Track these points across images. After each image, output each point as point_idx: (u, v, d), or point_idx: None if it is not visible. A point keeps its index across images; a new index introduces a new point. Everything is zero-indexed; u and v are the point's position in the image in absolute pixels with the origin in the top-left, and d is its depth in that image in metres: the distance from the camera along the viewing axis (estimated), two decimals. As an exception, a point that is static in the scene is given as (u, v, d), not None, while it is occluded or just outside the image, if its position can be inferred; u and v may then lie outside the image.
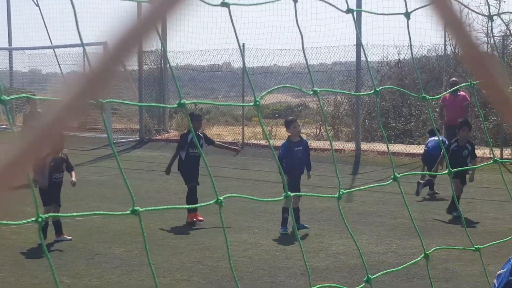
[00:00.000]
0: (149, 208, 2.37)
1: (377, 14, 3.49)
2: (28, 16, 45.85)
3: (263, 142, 24.21)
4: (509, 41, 24.21)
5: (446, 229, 11.75)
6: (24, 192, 1.32)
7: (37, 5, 30.96)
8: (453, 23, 1.40)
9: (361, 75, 22.47)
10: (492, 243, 4.32)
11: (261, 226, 12.11)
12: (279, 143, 15.02)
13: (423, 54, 27.26)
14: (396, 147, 22.37)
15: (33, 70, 35.76)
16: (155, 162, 20.62)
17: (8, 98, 1.83)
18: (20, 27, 44.90)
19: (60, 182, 11.20)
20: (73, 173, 11.26)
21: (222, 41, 38.89)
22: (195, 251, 10.47)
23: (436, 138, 15.01)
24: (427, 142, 15.59)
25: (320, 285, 3.21)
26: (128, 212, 2.27)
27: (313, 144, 23.81)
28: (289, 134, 11.89)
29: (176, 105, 2.34)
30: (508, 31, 23.84)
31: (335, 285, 7.88)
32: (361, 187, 3.47)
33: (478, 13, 3.74)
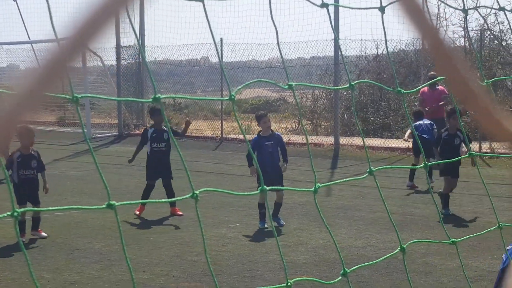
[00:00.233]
0: (125, 202, 2.38)
1: (352, 8, 3.51)
2: (6, 11, 45.58)
3: (241, 136, 24.24)
4: (487, 35, 24.34)
5: (425, 223, 11.80)
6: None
7: (14, 0, 30.85)
8: (417, 16, 1.42)
9: (339, 69, 22.48)
10: (468, 236, 4.36)
11: (240, 220, 12.13)
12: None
13: (401, 48, 27.39)
14: (374, 141, 22.46)
15: (11, 66, 35.57)
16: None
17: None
18: (-3, 22, 44.63)
19: (32, 179, 10.93)
20: (45, 177, 11.02)
21: (200, 35, 38.97)
22: (175, 245, 10.47)
23: (422, 121, 14.97)
24: (416, 125, 14.70)
25: (297, 279, 3.23)
26: (104, 206, 2.28)
27: (292, 138, 23.87)
28: (259, 129, 11.97)
29: (151, 100, 2.35)
30: (485, 24, 23.97)
31: (313, 278, 7.92)
32: (337, 181, 3.49)
33: (453, 7, 3.77)
